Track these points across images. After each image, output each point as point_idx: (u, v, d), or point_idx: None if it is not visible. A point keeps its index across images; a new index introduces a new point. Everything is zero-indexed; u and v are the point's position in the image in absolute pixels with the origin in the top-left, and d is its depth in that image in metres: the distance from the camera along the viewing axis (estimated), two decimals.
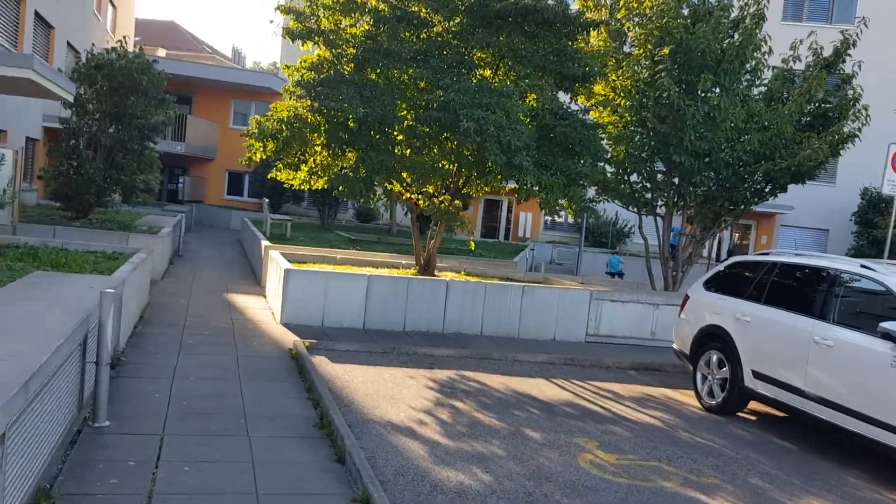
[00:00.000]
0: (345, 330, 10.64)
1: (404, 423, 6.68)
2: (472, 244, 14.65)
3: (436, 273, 12.85)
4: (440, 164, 11.58)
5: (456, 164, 11.87)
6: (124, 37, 18.29)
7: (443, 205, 12.04)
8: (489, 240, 31.94)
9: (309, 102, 10.83)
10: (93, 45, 16.36)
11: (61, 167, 16.16)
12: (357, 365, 8.66)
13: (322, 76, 10.94)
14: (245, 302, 12.37)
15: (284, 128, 11.40)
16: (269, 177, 14.25)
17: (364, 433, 6.25)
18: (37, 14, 19.81)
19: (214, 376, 7.47)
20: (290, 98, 12.05)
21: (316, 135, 11.46)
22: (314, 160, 12.85)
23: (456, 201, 12.37)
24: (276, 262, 12.00)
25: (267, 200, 19.87)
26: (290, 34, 11.64)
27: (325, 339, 9.75)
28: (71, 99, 13.21)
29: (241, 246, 22.27)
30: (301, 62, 11.67)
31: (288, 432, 6.06)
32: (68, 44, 22.82)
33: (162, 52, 37.83)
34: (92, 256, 10.06)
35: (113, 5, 31.35)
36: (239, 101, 34.64)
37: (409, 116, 11.10)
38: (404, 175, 11.32)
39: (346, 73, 10.98)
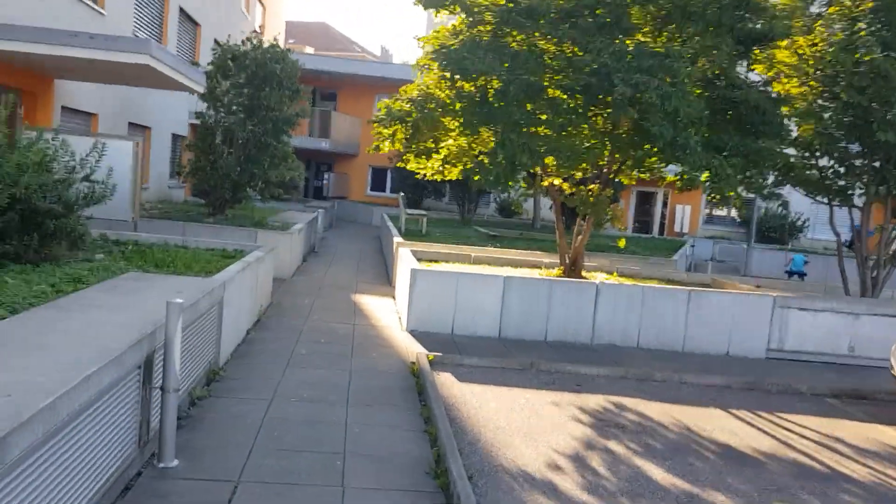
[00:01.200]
0: (477, 339, 9.30)
1: (544, 473, 5.21)
2: (622, 242, 12.81)
3: (583, 274, 11.23)
4: (589, 146, 9.94)
5: (608, 146, 10.19)
6: (260, 26, 17.93)
7: (591, 196, 10.40)
8: (642, 235, 29.60)
9: (440, 73, 9.54)
10: (228, 36, 16.04)
11: (199, 163, 15.97)
12: (488, 385, 7.27)
13: (458, 43, 9.61)
14: (372, 303, 11.34)
15: (413, 109, 10.21)
16: (397, 165, 13.18)
17: (490, 487, 4.84)
18: (182, 10, 19.96)
19: (319, 398, 6.34)
20: (423, 73, 10.77)
21: (449, 118, 10.18)
22: (447, 147, 11.61)
23: (607, 190, 10.68)
24: (404, 261, 10.87)
25: (403, 195, 19.00)
26: (424, 2, 10.38)
27: (453, 350, 8.46)
28: (200, 90, 12.74)
29: (378, 242, 21.58)
30: (435, 33, 10.41)
31: (393, 483, 4.76)
32: (216, 42, 23.10)
33: (310, 50, 38.34)
34: (207, 255, 9.31)
35: (262, 3, 31.83)
36: (383, 96, 34.04)
37: (552, 88, 9.56)
38: (548, 161, 9.79)
39: (484, 39, 9.58)
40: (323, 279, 13.42)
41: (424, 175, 12.43)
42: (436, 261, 12.06)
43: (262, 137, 15.84)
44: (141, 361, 4.35)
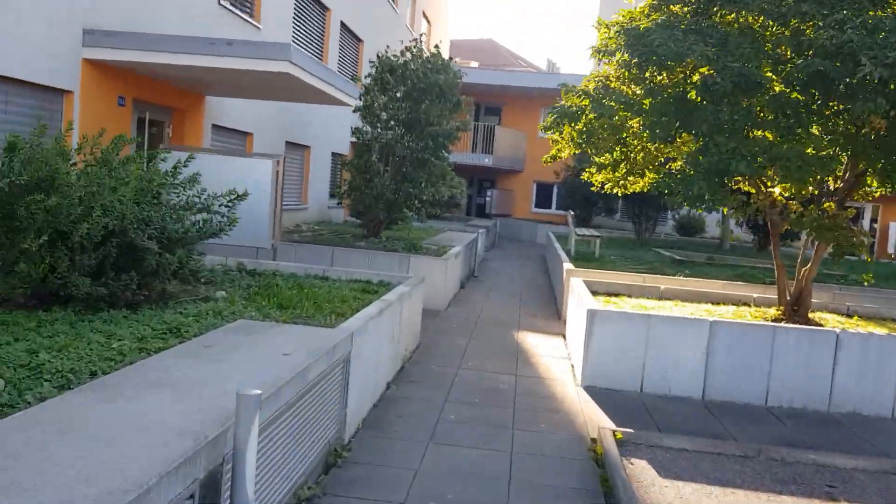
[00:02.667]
0: (674, 402, 7.27)
1: None
2: (869, 277, 10.15)
3: (810, 316, 8.81)
4: (824, 153, 7.62)
5: (849, 151, 7.81)
6: (420, 34, 16.81)
7: (826, 217, 8.02)
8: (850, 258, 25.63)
9: (625, 58, 7.62)
10: (387, 47, 15.03)
11: (354, 182, 15.02)
12: (702, 485, 5.25)
13: (648, 22, 7.68)
14: (538, 345, 9.57)
15: (588, 103, 8.39)
16: (569, 176, 11.35)
17: None
18: (343, 25, 19.36)
19: (466, 501, 4.65)
20: (600, 60, 8.83)
21: (633, 118, 8.27)
22: (633, 154, 9.66)
23: (849, 210, 8.25)
24: (577, 295, 9.02)
25: (572, 213, 17.08)
26: None
27: (647, 422, 6.51)
28: (351, 103, 11.65)
29: (543, 263, 19.77)
30: (620, 14, 8.51)
31: None
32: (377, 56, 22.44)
33: (474, 65, 37.42)
34: (346, 289, 7.99)
35: (427, 20, 31.22)
36: (548, 109, 32.62)
37: (775, 80, 7.38)
38: (769, 172, 7.59)
39: (682, 20, 7.60)
40: (481, 312, 11.83)
41: (602, 187, 10.54)
42: (616, 294, 10.09)
43: (420, 153, 14.61)
44: (192, 489, 2.87)
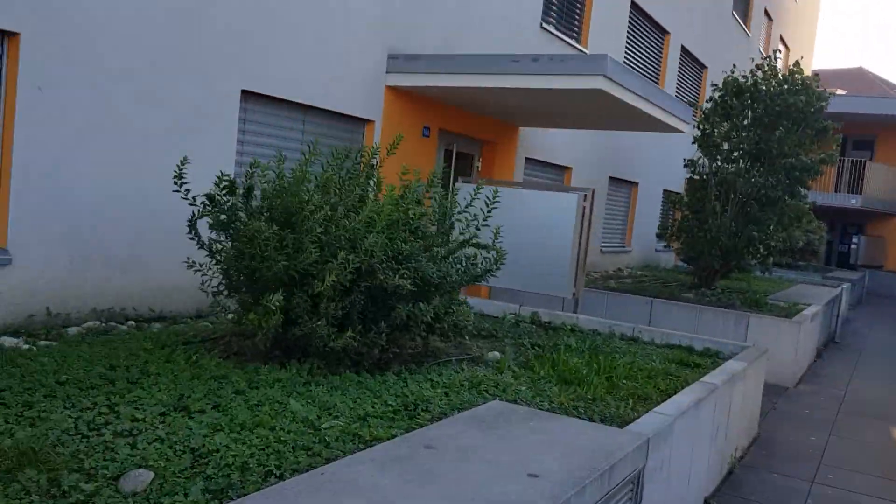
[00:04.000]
0: None
1: None
2: None
3: None
4: None
5: None
6: (775, 51, 14.26)
7: None
8: None
9: None
10: (734, 66, 12.87)
11: (684, 223, 13.05)
12: None
13: None
14: None
15: None
16: None
17: None
18: (684, 50, 17.49)
19: None
20: None
21: None
22: None
23: None
24: None
25: None
26: None
27: None
28: (682, 129, 9.85)
29: None
30: None
31: None
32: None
33: (841, 92, 32.43)
34: (658, 359, 6.26)
35: (785, 45, 27.66)
36: None
37: None
38: None
39: None
40: (846, 393, 9.07)
41: None
42: None
43: (769, 190, 12.15)
44: None
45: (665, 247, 13.92)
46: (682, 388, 5.07)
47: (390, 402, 3.90)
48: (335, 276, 4.19)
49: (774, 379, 8.93)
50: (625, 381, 5.08)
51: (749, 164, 12.52)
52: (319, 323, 4.34)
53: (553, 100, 8.21)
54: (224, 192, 4.55)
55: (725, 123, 12.67)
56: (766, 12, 24.51)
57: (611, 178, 14.85)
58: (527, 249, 8.02)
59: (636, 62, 15.05)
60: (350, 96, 7.81)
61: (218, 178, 4.56)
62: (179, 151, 5.94)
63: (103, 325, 5.43)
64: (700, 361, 6.26)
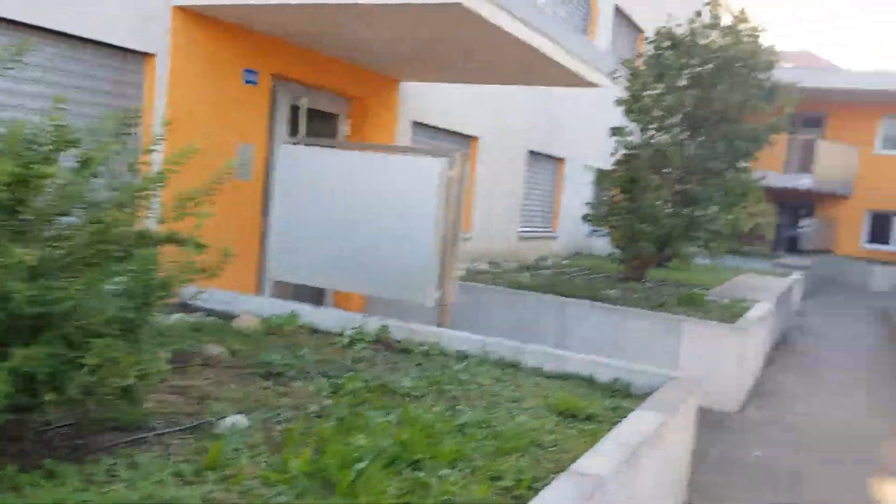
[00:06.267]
0: None
1: None
2: None
3: None
4: None
5: None
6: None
7: None
8: None
9: None
10: (668, 16, 10.78)
11: (614, 203, 10.96)
12: None
13: None
14: None
15: None
16: None
17: None
18: (618, 10, 15.38)
19: None
20: None
21: None
22: None
23: None
24: None
25: None
26: None
27: None
28: (595, 80, 7.64)
29: (890, 326, 13.75)
30: None
31: None
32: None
33: (788, 66, 30.87)
34: (543, 400, 4.11)
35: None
36: (892, 119, 25.26)
37: None
38: None
39: None
40: (804, 420, 7.03)
41: None
42: None
43: (710, 163, 10.13)
44: None
45: (593, 231, 11.88)
46: (551, 478, 2.89)
47: None
48: None
49: (713, 402, 6.85)
50: (448, 472, 2.86)
51: (689, 131, 10.48)
52: None
53: (410, 29, 5.92)
54: None
55: (659, 85, 10.57)
56: None
57: (531, 152, 12.66)
58: (374, 238, 5.75)
59: (559, 14, 12.84)
60: (117, 20, 5.41)
61: None
62: None
63: None
64: (596, 409, 4.07)
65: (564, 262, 12.92)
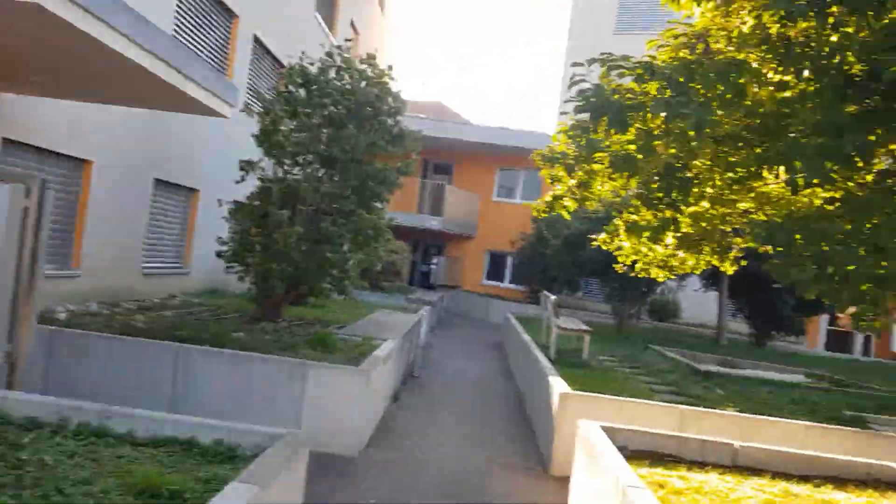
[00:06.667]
0: None
1: None
2: None
3: None
4: None
5: None
6: (347, 40, 12.60)
7: None
8: (840, 355, 22.05)
9: None
10: (302, 53, 10.75)
11: (244, 239, 10.47)
12: None
13: None
14: None
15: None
16: (605, 247, 7.02)
17: None
18: (257, 40, 15.06)
19: None
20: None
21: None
22: (688, 216, 5.49)
23: None
24: (604, 466, 4.57)
25: (549, 297, 12.61)
26: None
27: None
28: (219, 109, 7.16)
29: (504, 359, 15.30)
30: None
31: None
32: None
33: (422, 115, 33.58)
34: (112, 482, 3.43)
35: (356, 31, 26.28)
36: (505, 171, 28.71)
37: None
38: None
39: None
40: (423, 458, 7.23)
41: (632, 267, 6.26)
42: (661, 457, 5.66)
43: (341, 203, 10.22)
44: None
45: (229, 268, 11.22)
46: None
47: None
48: None
49: (337, 447, 6.71)
50: None
51: (323, 168, 10.48)
52: None
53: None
54: None
55: (291, 122, 10.43)
56: (353, 25, 23.58)
57: (157, 180, 11.62)
58: None
59: (194, 42, 12.10)
60: None
61: None
62: None
63: None
64: (186, 484, 3.53)
65: (196, 300, 12.04)
